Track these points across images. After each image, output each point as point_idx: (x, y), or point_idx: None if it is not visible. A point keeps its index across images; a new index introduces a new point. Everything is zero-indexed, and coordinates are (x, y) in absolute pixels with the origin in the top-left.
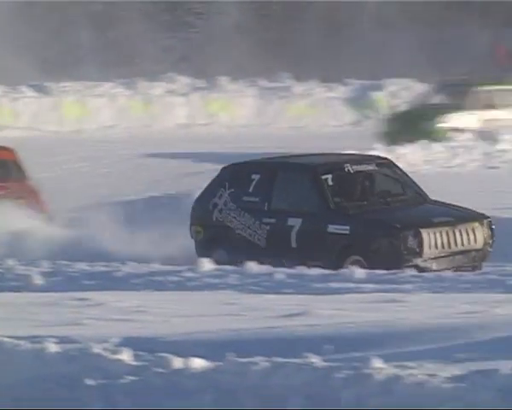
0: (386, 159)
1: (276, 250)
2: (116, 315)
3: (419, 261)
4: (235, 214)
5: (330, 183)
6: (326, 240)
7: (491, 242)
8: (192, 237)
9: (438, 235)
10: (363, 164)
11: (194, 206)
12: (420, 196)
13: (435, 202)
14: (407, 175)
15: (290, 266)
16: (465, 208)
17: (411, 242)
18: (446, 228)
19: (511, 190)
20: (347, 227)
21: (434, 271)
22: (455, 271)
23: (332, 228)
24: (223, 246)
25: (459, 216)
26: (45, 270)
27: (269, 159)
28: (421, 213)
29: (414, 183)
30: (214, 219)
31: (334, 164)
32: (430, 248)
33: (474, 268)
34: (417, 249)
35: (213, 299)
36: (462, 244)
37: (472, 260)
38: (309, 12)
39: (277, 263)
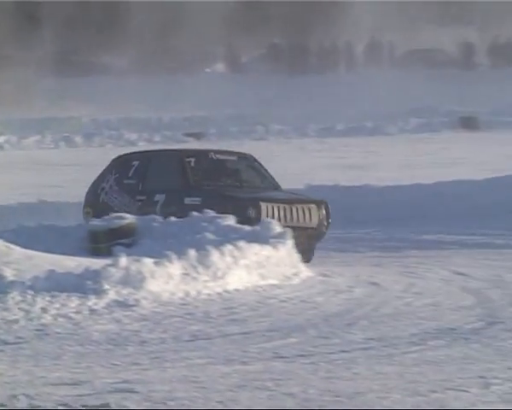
0: (247, 154)
1: None
2: None
3: None
4: (116, 195)
5: (193, 165)
6: (183, 211)
7: (326, 223)
8: (84, 218)
9: (275, 209)
10: (226, 155)
11: (88, 191)
12: (273, 185)
13: (285, 190)
14: (265, 169)
15: None
16: (308, 196)
17: (251, 211)
18: (284, 205)
19: None
20: (199, 199)
21: None
22: None
23: (188, 200)
24: None
25: (298, 198)
26: None
27: (150, 149)
28: (264, 193)
29: (270, 175)
30: (101, 200)
31: (199, 151)
32: (268, 218)
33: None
34: (256, 218)
35: None
36: (298, 221)
37: (307, 237)
38: None
39: None
